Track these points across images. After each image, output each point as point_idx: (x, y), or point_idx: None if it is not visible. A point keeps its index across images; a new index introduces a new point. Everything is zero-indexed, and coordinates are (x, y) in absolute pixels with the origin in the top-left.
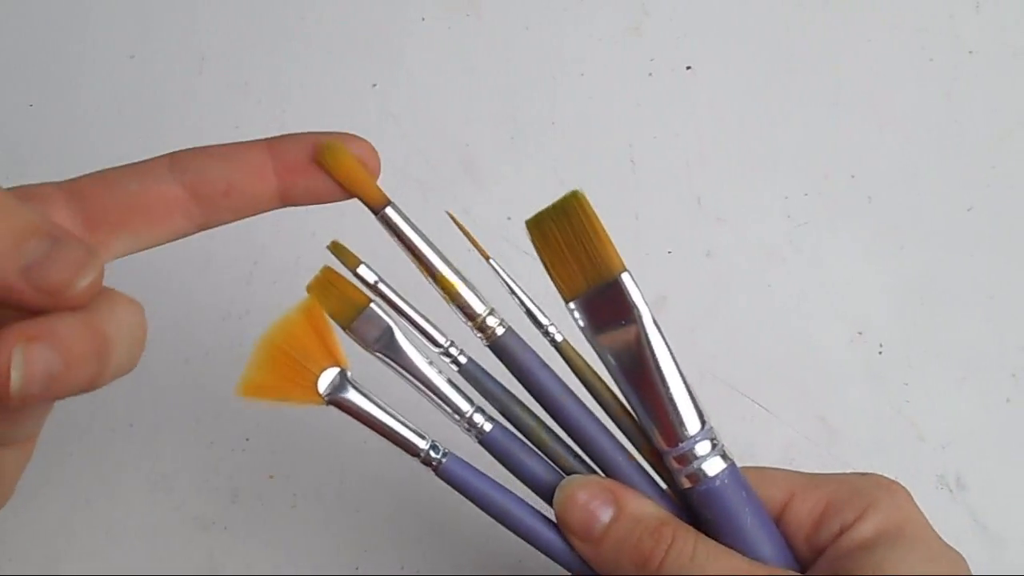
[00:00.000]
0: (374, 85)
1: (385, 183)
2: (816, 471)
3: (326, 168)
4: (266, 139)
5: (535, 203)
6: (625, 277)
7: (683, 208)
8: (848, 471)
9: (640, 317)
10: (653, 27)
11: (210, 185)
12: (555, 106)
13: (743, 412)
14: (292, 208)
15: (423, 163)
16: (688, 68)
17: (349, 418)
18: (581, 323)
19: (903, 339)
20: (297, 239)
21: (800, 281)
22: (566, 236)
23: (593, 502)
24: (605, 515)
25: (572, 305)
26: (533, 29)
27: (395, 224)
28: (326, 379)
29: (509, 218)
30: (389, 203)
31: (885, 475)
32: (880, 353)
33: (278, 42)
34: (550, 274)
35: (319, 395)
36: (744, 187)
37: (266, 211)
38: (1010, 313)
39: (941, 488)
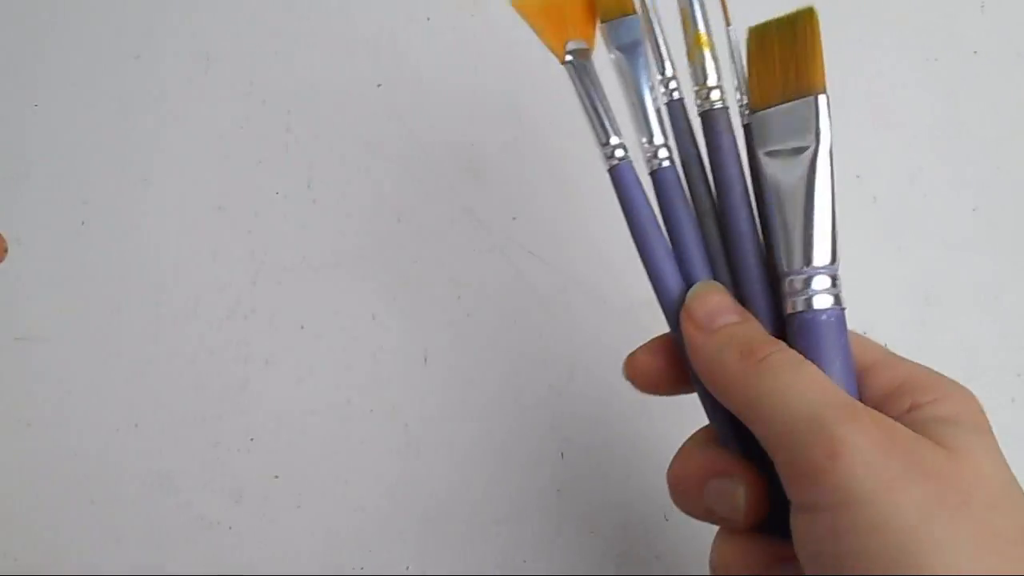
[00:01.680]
0: (379, 85)
1: (390, 181)
2: None
3: None
4: None
5: (540, 202)
6: (822, 98)
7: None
8: None
9: (820, 140)
10: None
11: None
12: (561, 106)
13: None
14: (295, 207)
15: (428, 162)
16: None
17: (351, 421)
18: (757, 131)
19: (908, 339)
20: (302, 238)
21: None
22: (784, 47)
23: (723, 306)
24: (728, 318)
25: (758, 115)
26: None
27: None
28: (576, 44)
29: (514, 218)
30: None
31: None
32: None
33: (283, 42)
34: (751, 80)
35: (563, 51)
36: None
37: None
38: (1015, 313)
39: None
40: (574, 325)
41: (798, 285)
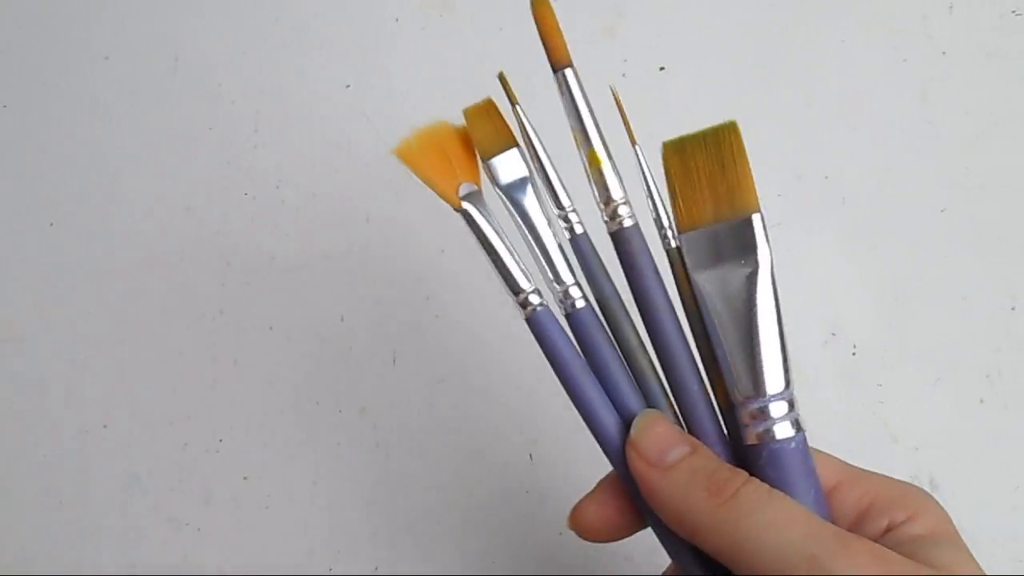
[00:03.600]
0: (348, 86)
1: (358, 182)
2: None
3: (534, 17)
4: None
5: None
6: (757, 217)
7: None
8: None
9: (760, 260)
10: (627, 28)
11: None
12: (529, 107)
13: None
14: (264, 208)
15: (396, 163)
16: (662, 69)
17: (320, 421)
18: (690, 254)
19: (877, 340)
20: (271, 239)
21: None
22: (709, 164)
23: (671, 437)
24: (680, 450)
25: (688, 236)
26: (507, 30)
27: (569, 86)
28: (467, 188)
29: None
30: (571, 66)
31: None
32: (854, 354)
33: (252, 43)
34: (675, 201)
35: (458, 197)
36: None
37: None
38: (984, 314)
39: None
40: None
41: (755, 415)
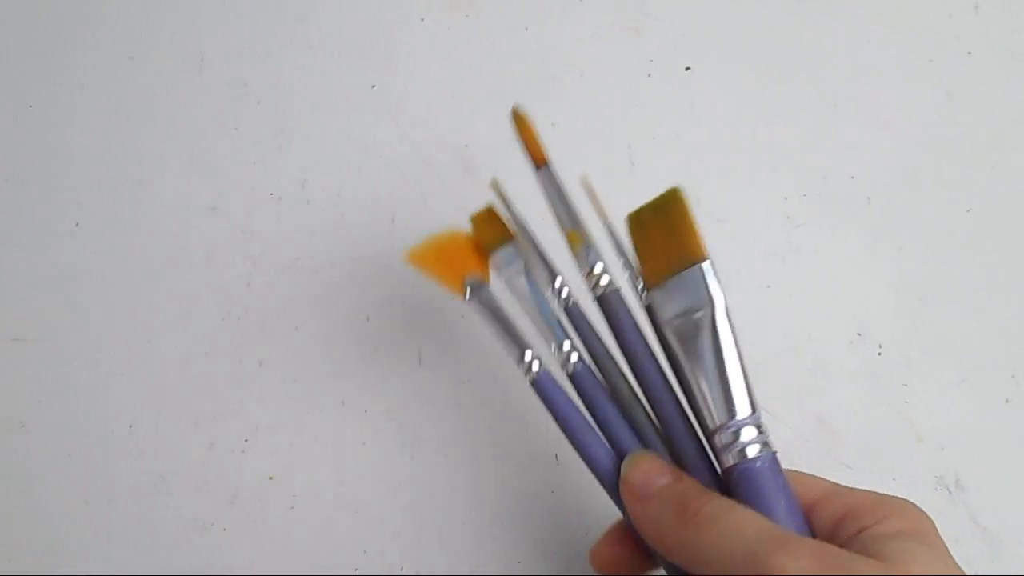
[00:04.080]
0: (373, 86)
1: (384, 182)
2: (814, 472)
3: (517, 128)
4: None
5: (533, 204)
6: (706, 265)
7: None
8: (848, 471)
9: (714, 302)
10: (652, 28)
11: None
12: (555, 107)
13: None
14: (290, 208)
15: (422, 164)
16: (687, 69)
17: (345, 422)
18: (658, 308)
19: (902, 340)
20: (296, 239)
21: (799, 282)
22: (660, 227)
23: (655, 470)
24: (662, 480)
25: (653, 293)
26: (532, 29)
27: (552, 181)
28: (472, 279)
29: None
30: (548, 164)
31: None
32: (879, 354)
33: (277, 42)
34: (640, 263)
35: (463, 287)
36: (743, 188)
37: None
38: (1009, 314)
39: (940, 489)
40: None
41: (727, 439)
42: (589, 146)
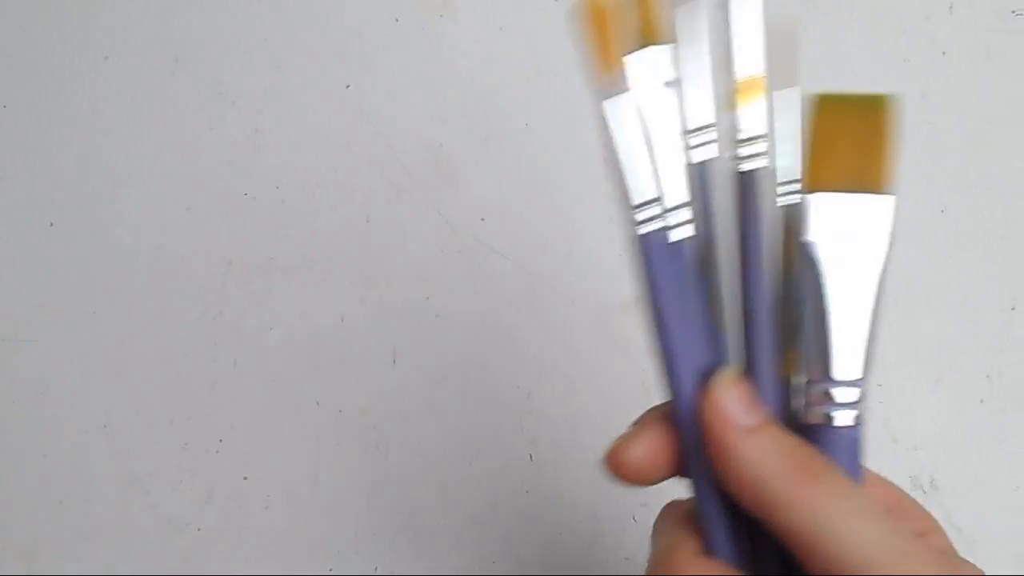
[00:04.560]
0: (348, 86)
1: (359, 182)
2: None
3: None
4: None
5: (509, 204)
6: (894, 200)
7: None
8: None
9: (883, 245)
10: None
11: None
12: (529, 107)
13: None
14: (265, 208)
15: (397, 164)
16: None
17: (320, 422)
18: (809, 216)
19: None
20: (271, 239)
21: None
22: (856, 129)
23: (753, 401)
24: (761, 415)
25: (814, 196)
26: (507, 30)
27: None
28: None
29: (483, 219)
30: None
31: None
32: None
33: (252, 43)
34: (809, 157)
35: (616, 74)
36: None
37: None
38: (984, 314)
39: (915, 489)
40: (542, 326)
41: (824, 398)
42: (564, 147)
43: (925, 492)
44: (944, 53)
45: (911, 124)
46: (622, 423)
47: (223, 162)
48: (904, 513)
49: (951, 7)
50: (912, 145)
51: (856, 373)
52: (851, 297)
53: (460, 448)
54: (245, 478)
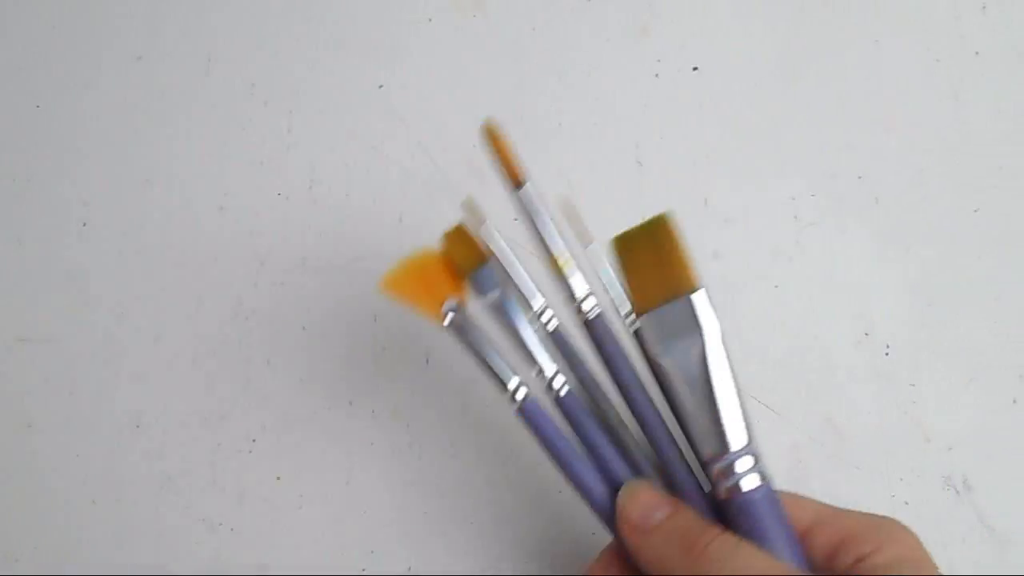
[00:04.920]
0: (380, 86)
1: (391, 182)
2: (822, 474)
3: (491, 146)
4: None
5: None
6: (700, 295)
7: (690, 209)
8: (856, 471)
9: (705, 333)
10: (660, 28)
11: None
12: (562, 107)
13: (750, 413)
14: (297, 208)
15: (429, 163)
16: (695, 69)
17: (353, 422)
18: (647, 336)
19: (910, 340)
20: (304, 239)
21: (807, 282)
22: (651, 253)
23: (653, 502)
24: (661, 513)
25: (643, 319)
26: (540, 30)
27: (529, 201)
28: (450, 304)
29: (515, 219)
30: (524, 184)
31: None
32: (887, 354)
33: (285, 43)
34: (628, 288)
35: (441, 314)
36: (751, 188)
37: None
38: (1017, 314)
39: (947, 489)
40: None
41: (723, 471)
42: (596, 146)
43: (958, 492)
44: (977, 53)
45: (943, 124)
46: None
47: (256, 162)
48: (853, 542)
49: (984, 7)
50: (944, 145)
51: (745, 439)
52: (714, 379)
53: (493, 448)
54: (278, 478)
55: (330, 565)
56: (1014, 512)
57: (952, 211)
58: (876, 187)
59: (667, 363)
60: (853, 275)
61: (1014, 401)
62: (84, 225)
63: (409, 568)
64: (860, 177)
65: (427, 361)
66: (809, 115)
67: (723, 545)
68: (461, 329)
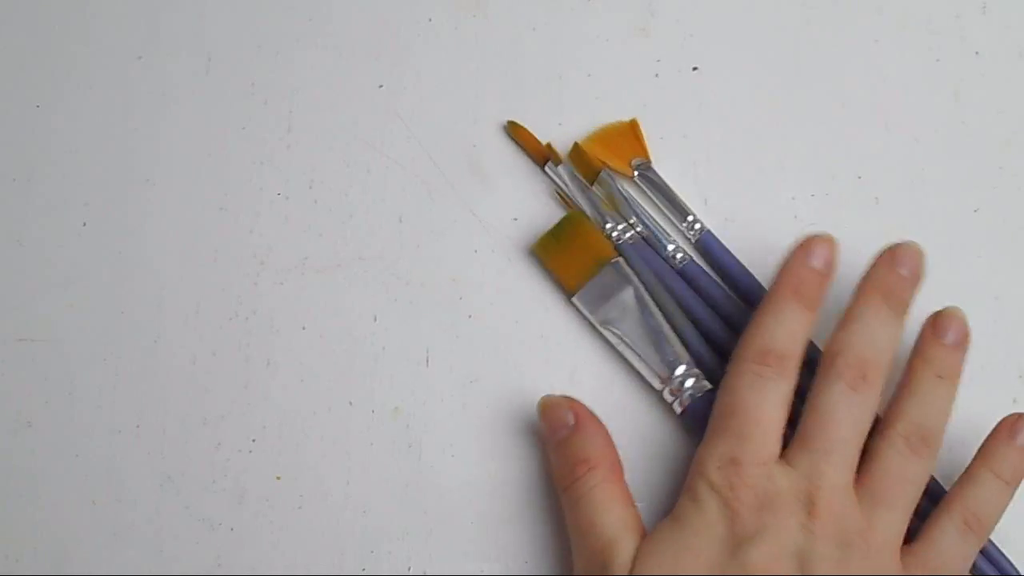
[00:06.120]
0: (380, 86)
1: (391, 182)
2: None
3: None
4: None
5: (542, 204)
6: (619, 260)
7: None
8: None
9: (636, 284)
10: (660, 28)
11: None
12: (562, 107)
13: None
14: (297, 208)
15: (429, 163)
16: (695, 69)
17: (353, 422)
18: (587, 308)
19: (909, 341)
20: (304, 239)
21: None
22: (568, 245)
23: (559, 421)
24: (561, 432)
25: (579, 295)
26: (540, 29)
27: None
28: (639, 160)
29: (515, 219)
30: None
31: None
32: None
33: (284, 42)
34: (558, 278)
35: (630, 168)
36: (751, 188)
37: None
38: (1017, 314)
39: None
40: (576, 326)
41: (674, 392)
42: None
43: None
44: (977, 53)
45: (943, 124)
46: (656, 420)
47: (256, 161)
48: None
49: (984, 7)
50: (945, 145)
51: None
52: (643, 323)
53: (494, 448)
54: (278, 478)
55: (330, 565)
56: (1012, 514)
57: (952, 211)
58: (876, 187)
59: (612, 317)
60: (853, 275)
61: (1014, 401)
62: (84, 225)
63: (409, 568)
64: (860, 177)
65: (427, 361)
66: (809, 115)
67: (585, 488)
68: (648, 180)
